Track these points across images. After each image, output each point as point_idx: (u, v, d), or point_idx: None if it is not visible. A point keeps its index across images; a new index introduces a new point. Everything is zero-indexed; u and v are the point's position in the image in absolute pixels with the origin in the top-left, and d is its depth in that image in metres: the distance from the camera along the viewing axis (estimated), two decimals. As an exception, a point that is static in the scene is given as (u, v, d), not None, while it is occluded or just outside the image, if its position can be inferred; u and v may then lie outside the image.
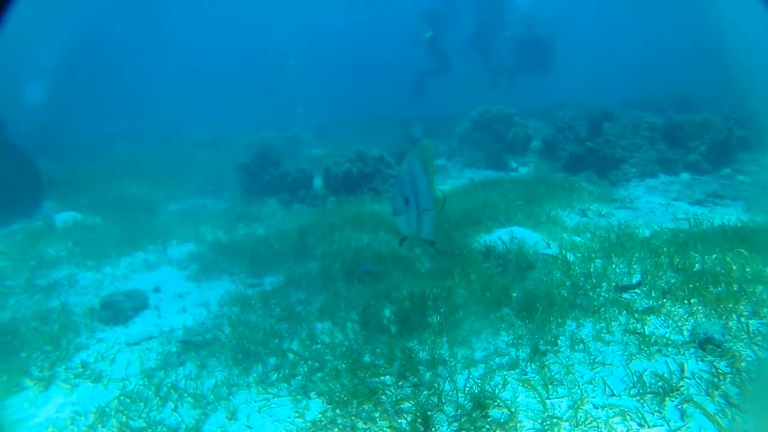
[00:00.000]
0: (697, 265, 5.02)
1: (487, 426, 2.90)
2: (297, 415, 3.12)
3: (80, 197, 10.50)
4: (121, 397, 3.42)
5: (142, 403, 3.35)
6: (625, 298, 4.63)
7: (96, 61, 24.42)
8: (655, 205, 8.44)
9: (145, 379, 3.65)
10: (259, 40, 35.33)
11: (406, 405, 3.10)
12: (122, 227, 7.93)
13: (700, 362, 3.50)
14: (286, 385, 3.43)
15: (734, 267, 4.83)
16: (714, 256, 5.21)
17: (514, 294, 4.54)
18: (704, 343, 3.70)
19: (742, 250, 5.06)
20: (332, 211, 8.14)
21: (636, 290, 4.79)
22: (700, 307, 4.25)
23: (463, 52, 19.75)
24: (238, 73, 29.82)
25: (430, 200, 3.41)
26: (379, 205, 8.40)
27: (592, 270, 5.15)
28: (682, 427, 2.88)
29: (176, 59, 31.79)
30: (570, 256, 5.51)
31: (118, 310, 4.74)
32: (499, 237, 5.67)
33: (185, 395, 3.38)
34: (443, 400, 3.11)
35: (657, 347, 3.73)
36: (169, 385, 3.50)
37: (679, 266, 5.06)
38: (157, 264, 6.37)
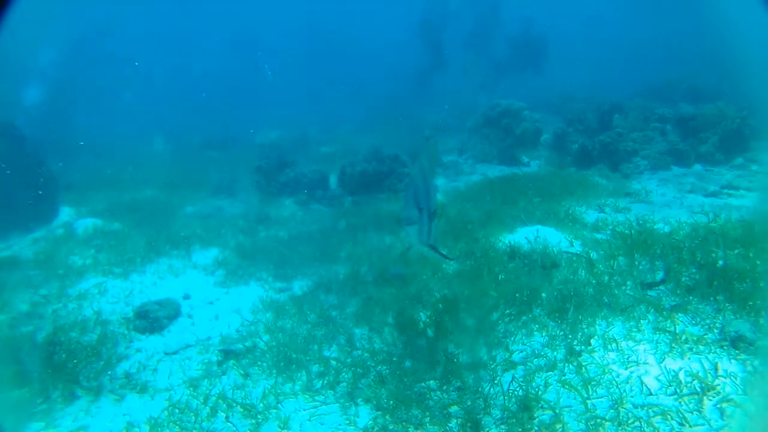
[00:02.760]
0: (720, 261, 5.06)
1: (535, 428, 2.98)
2: (348, 422, 3.21)
3: (96, 202, 10.59)
4: (171, 408, 3.52)
5: (192, 414, 3.44)
6: (651, 296, 4.70)
7: (98, 65, 24.37)
8: (669, 198, 8.49)
9: (191, 389, 3.75)
10: (260, 38, 35.28)
11: (454, 409, 3.19)
12: (142, 232, 8.01)
13: (734, 361, 3.56)
14: (332, 392, 3.52)
15: (758, 262, 4.87)
16: (736, 251, 5.25)
17: (544, 294, 4.61)
18: (736, 341, 3.77)
19: (766, 246, 5.10)
20: (351, 212, 8.21)
21: (660, 287, 4.86)
22: (727, 305, 4.29)
23: (462, 49, 20.20)
24: (241, 72, 29.81)
25: (436, 205, 3.33)
26: (396, 205, 8.48)
27: (615, 267, 5.21)
28: (724, 426, 2.95)
29: (180, 61, 31.78)
30: (593, 254, 5.57)
31: (153, 320, 4.84)
32: (525, 237, 5.74)
33: (234, 405, 3.47)
34: (489, 403, 3.20)
35: (689, 345, 3.80)
36: (216, 395, 3.59)
37: (702, 262, 5.11)
38: (182, 270, 6.45)
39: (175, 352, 4.40)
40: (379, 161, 9.29)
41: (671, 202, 8.24)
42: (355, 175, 9.15)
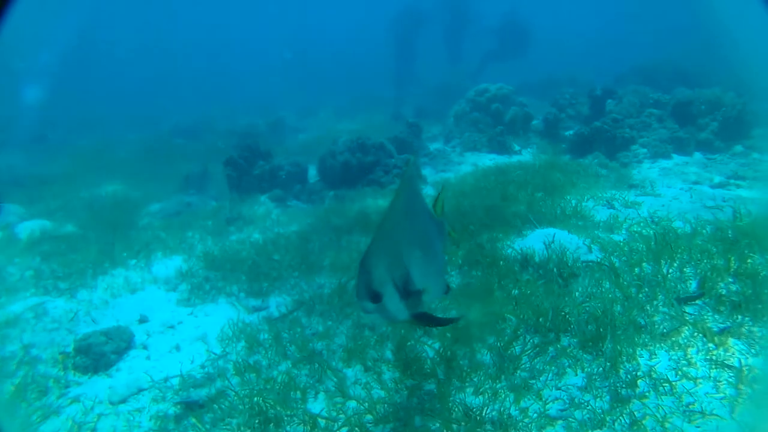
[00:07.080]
0: (763, 270, 4.39)
1: None
2: None
3: (50, 199, 9.53)
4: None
5: (137, 503, 2.60)
6: (691, 313, 4.01)
7: (68, 51, 22.85)
8: (676, 190, 7.86)
9: (139, 462, 2.89)
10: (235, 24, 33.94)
11: (486, 498, 2.42)
12: (98, 236, 7.03)
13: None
14: (322, 468, 2.71)
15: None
16: (778, 257, 4.59)
17: (572, 318, 3.85)
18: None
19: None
20: (333, 210, 7.34)
21: (697, 302, 4.17)
22: (788, 327, 3.61)
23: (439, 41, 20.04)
24: (215, 58, 28.51)
25: (439, 261, 2.52)
26: (384, 200, 7.65)
27: (642, 277, 4.52)
28: None
29: (150, 45, 30.20)
30: (615, 261, 4.86)
31: (97, 355, 3.94)
32: (539, 242, 4.98)
33: (193, 490, 2.64)
34: (530, 488, 2.44)
35: (761, 387, 3.10)
36: (170, 474, 2.75)
37: (739, 270, 4.45)
38: (140, 284, 5.53)
39: (123, 401, 3.53)
40: (363, 151, 8.41)
41: (680, 195, 7.61)
42: (336, 167, 8.27)
